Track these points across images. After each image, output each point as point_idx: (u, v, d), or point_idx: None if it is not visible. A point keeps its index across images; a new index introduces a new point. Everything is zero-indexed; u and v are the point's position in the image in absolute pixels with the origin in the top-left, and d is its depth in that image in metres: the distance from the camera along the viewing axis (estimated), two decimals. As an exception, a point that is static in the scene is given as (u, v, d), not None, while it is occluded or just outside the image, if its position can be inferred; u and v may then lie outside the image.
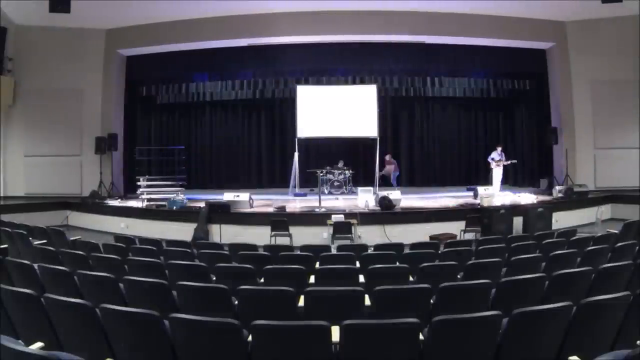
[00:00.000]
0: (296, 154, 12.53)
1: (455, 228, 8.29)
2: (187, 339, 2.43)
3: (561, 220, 9.00)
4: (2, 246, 5.50)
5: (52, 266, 3.84)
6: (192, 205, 9.73)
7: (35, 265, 3.84)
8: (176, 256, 4.78)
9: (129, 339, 2.54)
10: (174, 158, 12.13)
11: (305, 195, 11.73)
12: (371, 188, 11.58)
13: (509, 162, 11.60)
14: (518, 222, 8.58)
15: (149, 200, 10.11)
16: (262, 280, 4.02)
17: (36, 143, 11.95)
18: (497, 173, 11.53)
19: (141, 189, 10.39)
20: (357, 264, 4.55)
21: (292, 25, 11.54)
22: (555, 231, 6.51)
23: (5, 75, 11.52)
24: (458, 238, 7.91)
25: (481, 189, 10.47)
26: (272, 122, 14.81)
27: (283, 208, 9.17)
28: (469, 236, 8.06)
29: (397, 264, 4.42)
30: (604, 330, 2.66)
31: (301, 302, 3.15)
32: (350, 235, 7.90)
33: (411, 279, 4.03)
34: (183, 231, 8.56)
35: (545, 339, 2.51)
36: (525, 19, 11.67)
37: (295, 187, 12.35)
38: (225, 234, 8.52)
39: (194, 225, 8.67)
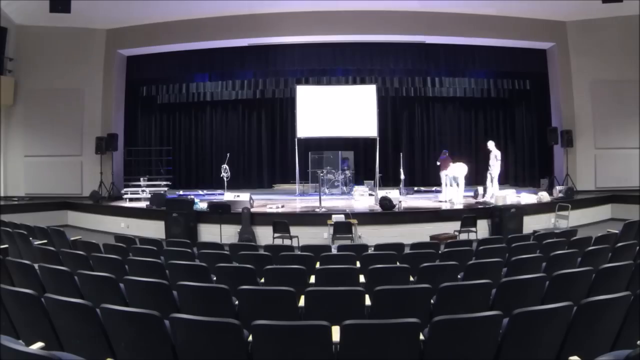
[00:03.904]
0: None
1: (455, 228, 8.29)
2: (187, 338, 2.43)
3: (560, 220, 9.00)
4: (3, 246, 5.50)
5: (52, 266, 3.83)
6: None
7: (36, 265, 3.84)
8: (176, 256, 4.78)
9: (129, 339, 2.54)
10: (177, 158, 12.17)
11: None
12: (366, 188, 11.60)
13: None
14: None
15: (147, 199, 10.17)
16: (262, 280, 4.02)
17: (36, 143, 11.94)
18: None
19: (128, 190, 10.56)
20: (358, 264, 4.55)
21: (292, 25, 11.54)
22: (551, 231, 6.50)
23: (6, 75, 11.52)
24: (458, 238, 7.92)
25: (481, 189, 10.48)
26: (272, 122, 14.82)
27: (283, 207, 9.19)
28: (464, 237, 8.07)
29: (398, 264, 4.42)
30: (604, 330, 2.66)
31: (302, 302, 3.16)
32: (350, 235, 7.90)
33: (411, 279, 4.03)
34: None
35: (545, 339, 2.51)
36: (525, 19, 11.67)
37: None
38: (225, 234, 8.54)
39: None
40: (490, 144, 10.26)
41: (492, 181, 10.10)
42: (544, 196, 9.94)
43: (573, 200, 9.92)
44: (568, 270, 3.50)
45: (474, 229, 8.24)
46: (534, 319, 2.46)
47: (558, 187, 10.77)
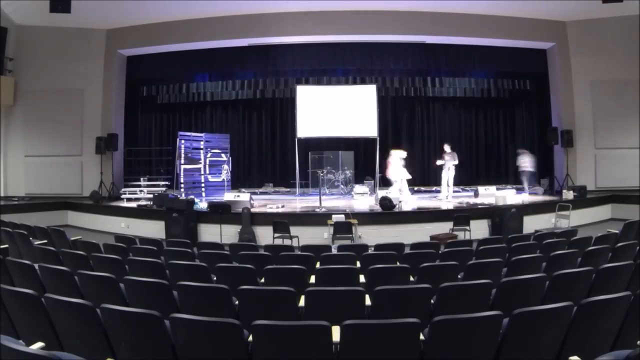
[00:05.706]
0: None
1: (450, 227, 8.29)
2: (187, 339, 2.43)
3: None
4: (3, 246, 5.50)
5: (52, 266, 3.83)
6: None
7: (36, 265, 3.84)
8: (176, 256, 4.77)
9: (129, 339, 2.54)
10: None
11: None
12: (366, 188, 11.57)
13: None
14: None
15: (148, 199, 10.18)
16: (262, 280, 4.02)
17: (36, 143, 11.94)
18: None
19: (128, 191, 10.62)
20: (358, 264, 4.55)
21: (293, 25, 11.55)
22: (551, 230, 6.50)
23: (6, 75, 11.53)
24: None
25: (482, 189, 10.48)
26: (272, 122, 14.81)
27: (283, 208, 9.19)
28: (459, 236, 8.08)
29: (398, 264, 4.42)
30: (605, 330, 2.66)
31: (302, 302, 3.16)
32: (350, 235, 7.90)
33: (411, 279, 4.03)
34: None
35: (545, 339, 2.51)
36: (526, 19, 11.67)
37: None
38: (225, 234, 8.54)
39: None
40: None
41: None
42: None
43: (574, 200, 9.92)
44: (568, 270, 3.50)
45: (467, 227, 8.25)
46: (534, 319, 2.46)
47: (568, 189, 10.65)
